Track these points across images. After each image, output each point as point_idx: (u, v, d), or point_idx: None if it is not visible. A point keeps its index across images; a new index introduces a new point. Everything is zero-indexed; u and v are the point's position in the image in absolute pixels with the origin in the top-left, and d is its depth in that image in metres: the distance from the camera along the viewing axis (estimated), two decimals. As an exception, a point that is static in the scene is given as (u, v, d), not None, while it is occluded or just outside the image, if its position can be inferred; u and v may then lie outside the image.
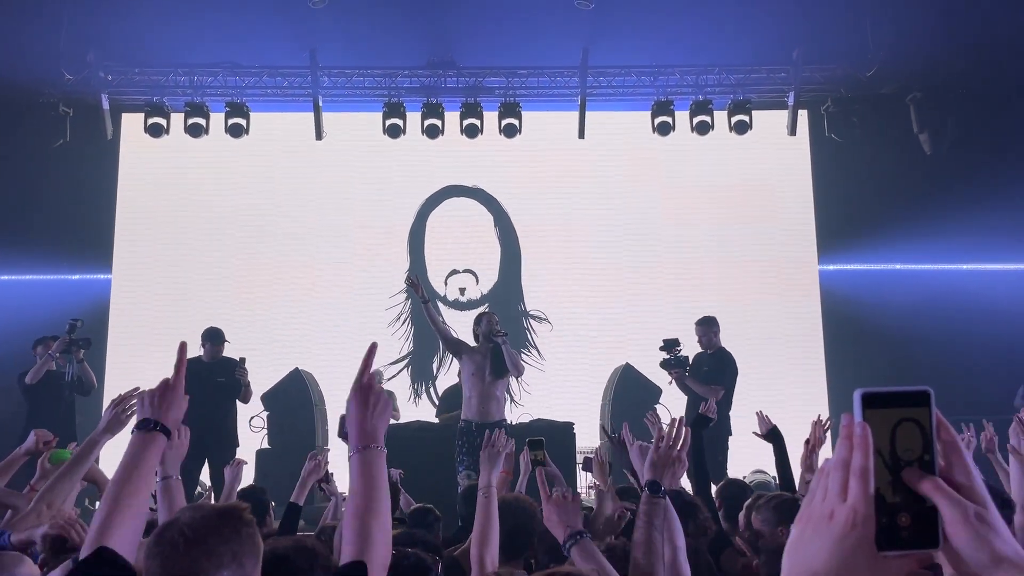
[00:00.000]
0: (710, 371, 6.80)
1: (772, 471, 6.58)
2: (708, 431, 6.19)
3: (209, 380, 6.53)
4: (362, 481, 1.63)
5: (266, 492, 4.12)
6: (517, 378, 6.13)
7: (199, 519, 1.52)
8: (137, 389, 2.78)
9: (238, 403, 6.92)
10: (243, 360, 6.74)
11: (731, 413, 6.66)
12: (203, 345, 6.86)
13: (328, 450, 7.11)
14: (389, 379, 9.18)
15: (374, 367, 1.72)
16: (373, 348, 1.70)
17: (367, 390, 1.67)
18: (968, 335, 9.07)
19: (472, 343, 6.18)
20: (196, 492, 6.43)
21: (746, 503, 3.36)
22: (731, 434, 6.58)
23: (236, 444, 6.76)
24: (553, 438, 5.56)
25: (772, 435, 4.34)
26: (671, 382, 6.99)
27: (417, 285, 6.11)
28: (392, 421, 7.97)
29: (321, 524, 3.85)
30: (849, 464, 0.72)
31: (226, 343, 6.91)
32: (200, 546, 1.48)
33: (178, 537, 1.48)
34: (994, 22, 8.31)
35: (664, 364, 6.87)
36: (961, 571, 0.71)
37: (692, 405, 6.92)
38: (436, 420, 7.62)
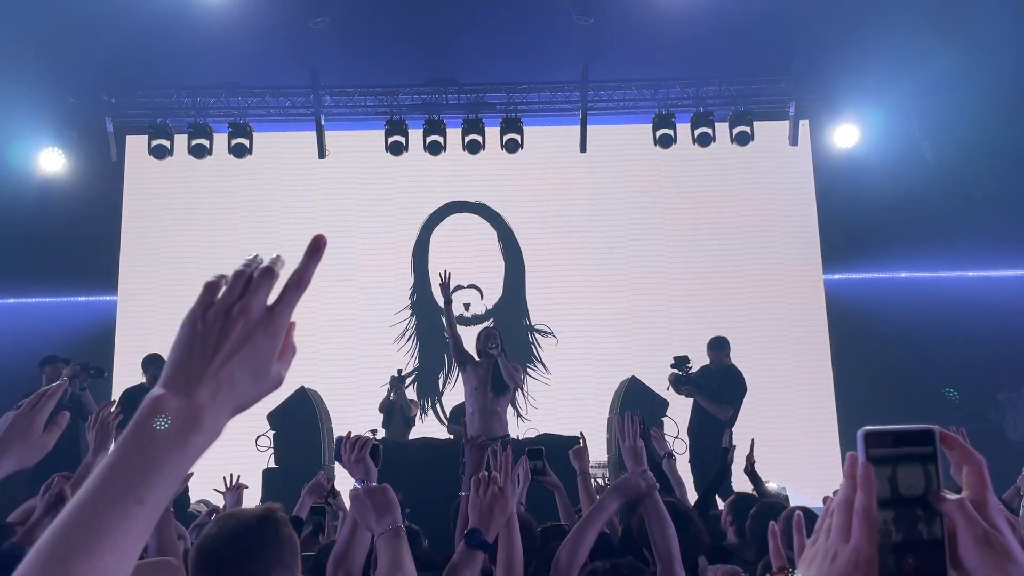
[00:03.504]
0: (719, 388, 6.82)
1: (778, 482, 6.58)
2: (711, 448, 6.17)
3: None
4: (390, 562, 1.73)
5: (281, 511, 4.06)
6: (515, 391, 6.10)
7: (240, 529, 1.50)
8: (113, 402, 2.78)
9: None
10: None
11: (735, 428, 6.68)
12: (145, 372, 6.92)
13: (332, 467, 7.10)
14: (406, 387, 9.15)
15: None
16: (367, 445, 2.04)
17: (367, 495, 1.79)
18: (975, 342, 9.04)
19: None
20: (191, 511, 6.38)
21: (751, 513, 3.35)
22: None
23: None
24: (560, 453, 5.55)
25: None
26: (668, 385, 7.01)
27: (447, 284, 6.11)
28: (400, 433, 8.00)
29: (334, 546, 3.82)
30: (852, 504, 0.71)
31: None
32: (246, 556, 1.46)
33: (224, 549, 1.46)
34: (991, 25, 8.32)
35: (674, 380, 6.89)
36: None
37: (697, 418, 6.92)
38: (448, 436, 7.62)
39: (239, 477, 4.14)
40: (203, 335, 0.75)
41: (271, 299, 0.78)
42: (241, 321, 0.75)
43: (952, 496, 0.71)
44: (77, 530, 0.64)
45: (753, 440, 4.82)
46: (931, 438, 0.72)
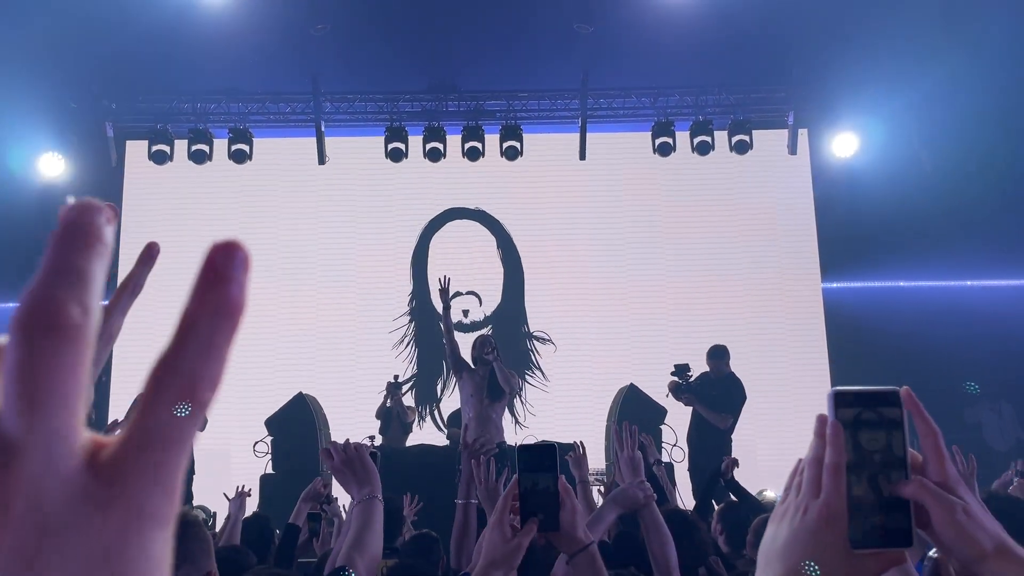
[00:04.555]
0: (718, 396, 6.82)
1: (775, 491, 6.57)
2: (709, 456, 6.15)
3: None
4: (360, 526, 1.77)
5: (270, 520, 4.08)
6: (510, 395, 6.12)
7: None
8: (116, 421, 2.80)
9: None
10: None
11: (735, 435, 6.71)
12: None
13: (329, 474, 7.10)
14: (403, 394, 9.15)
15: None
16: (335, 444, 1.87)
17: (350, 463, 1.81)
18: (974, 351, 9.06)
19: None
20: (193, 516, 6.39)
21: (752, 526, 3.33)
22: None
23: (192, 472, 6.85)
24: (561, 460, 5.53)
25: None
26: (668, 393, 7.00)
27: (446, 289, 6.16)
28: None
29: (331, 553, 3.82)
30: (822, 461, 0.73)
31: None
32: None
33: None
34: (990, 36, 8.35)
35: (674, 389, 6.89)
36: (953, 563, 0.73)
37: (695, 425, 6.91)
38: (445, 442, 7.63)
39: (249, 489, 4.18)
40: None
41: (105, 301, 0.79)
42: None
43: (910, 481, 0.73)
44: None
45: (729, 460, 4.78)
46: (897, 400, 0.74)
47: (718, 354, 7.03)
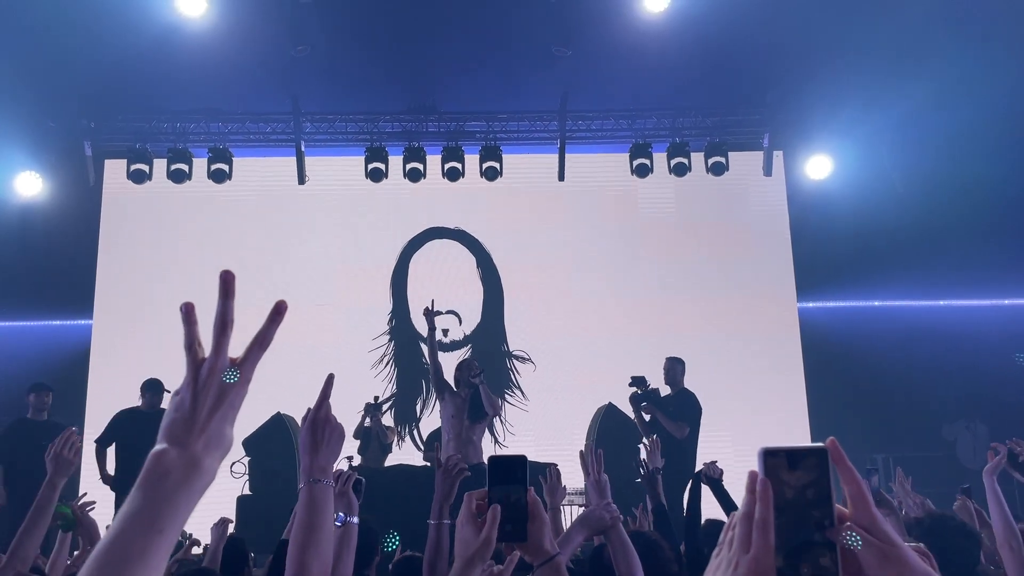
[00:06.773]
0: (674, 410, 6.93)
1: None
2: (676, 470, 6.14)
3: (149, 429, 6.63)
4: (308, 515, 1.62)
5: (245, 542, 4.06)
6: (493, 417, 6.17)
7: None
8: (73, 429, 2.80)
9: None
10: None
11: (699, 451, 6.79)
12: (142, 395, 6.96)
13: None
14: (383, 414, 9.12)
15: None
16: (330, 380, 1.71)
17: (323, 423, 1.67)
18: (946, 369, 9.20)
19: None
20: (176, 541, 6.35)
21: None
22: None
23: None
24: (536, 479, 5.54)
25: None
26: (636, 400, 7.02)
27: (431, 311, 6.21)
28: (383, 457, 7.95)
29: None
30: (752, 517, 0.77)
31: (166, 393, 7.02)
32: None
33: None
34: (959, 63, 8.53)
35: (634, 399, 6.99)
36: None
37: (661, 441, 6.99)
38: (424, 463, 7.60)
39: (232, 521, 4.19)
40: (187, 398, 0.91)
41: (237, 354, 0.95)
42: (216, 381, 0.92)
43: (846, 525, 0.78)
44: (115, 558, 0.79)
45: (709, 464, 4.75)
46: (824, 456, 0.78)
47: (676, 360, 7.17)
